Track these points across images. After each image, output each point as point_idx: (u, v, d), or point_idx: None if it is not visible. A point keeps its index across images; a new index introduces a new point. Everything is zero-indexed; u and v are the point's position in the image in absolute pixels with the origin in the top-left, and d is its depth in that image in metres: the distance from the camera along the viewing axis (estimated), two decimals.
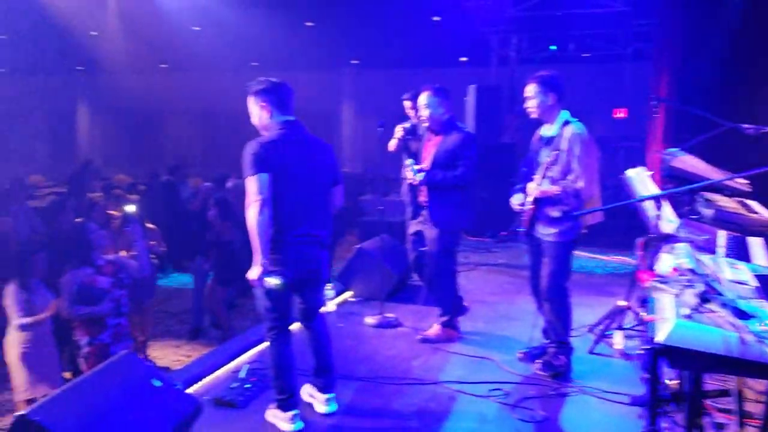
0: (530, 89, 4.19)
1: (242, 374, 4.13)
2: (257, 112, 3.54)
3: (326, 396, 3.74)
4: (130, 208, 5.67)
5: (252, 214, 3.31)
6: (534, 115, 4.23)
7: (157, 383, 3.24)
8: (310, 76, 17.32)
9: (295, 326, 3.72)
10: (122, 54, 14.74)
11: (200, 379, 4.26)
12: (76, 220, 6.38)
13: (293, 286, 3.52)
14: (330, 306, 5.64)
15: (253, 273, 3.37)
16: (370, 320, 5.33)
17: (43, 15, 12.79)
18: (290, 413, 3.52)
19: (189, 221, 10.22)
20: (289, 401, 3.53)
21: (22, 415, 2.68)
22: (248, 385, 4.00)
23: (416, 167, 4.88)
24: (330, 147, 3.71)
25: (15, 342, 4.81)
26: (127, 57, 14.88)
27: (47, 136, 19.21)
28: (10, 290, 4.80)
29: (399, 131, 5.60)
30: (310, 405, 3.77)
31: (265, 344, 4.76)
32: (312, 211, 3.52)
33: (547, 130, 4.23)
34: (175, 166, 11.65)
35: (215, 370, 4.42)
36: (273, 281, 3.36)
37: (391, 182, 12.11)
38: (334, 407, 3.74)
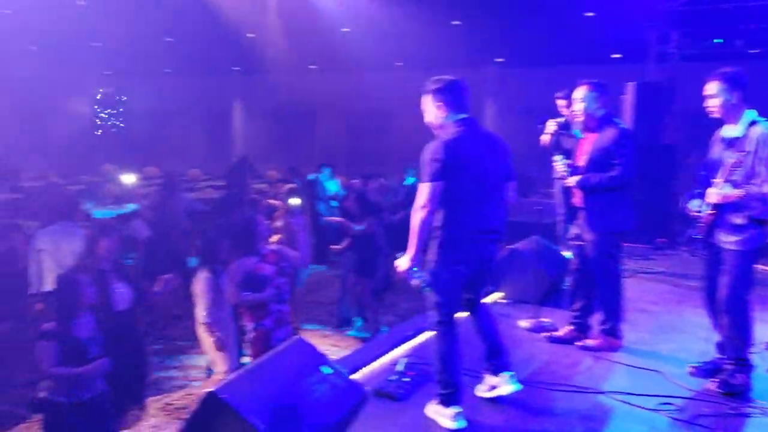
0: (712, 87, 3.92)
1: (400, 367, 4.18)
2: (433, 111, 3.58)
3: (507, 374, 3.71)
4: (295, 201, 5.95)
5: (417, 217, 3.41)
6: (716, 115, 3.96)
7: (327, 370, 3.34)
8: (452, 74, 17.32)
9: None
10: (276, 55, 15.45)
11: (357, 370, 4.36)
12: (243, 211, 6.78)
13: (466, 281, 3.56)
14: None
15: (403, 262, 3.47)
16: (524, 323, 5.22)
17: (205, 18, 13.69)
18: (453, 410, 3.51)
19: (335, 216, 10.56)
20: (452, 396, 3.53)
21: (212, 392, 2.85)
22: (407, 379, 4.04)
23: (567, 161, 4.73)
24: (504, 143, 3.69)
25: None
26: (281, 58, 15.58)
27: (204, 133, 20.54)
28: (203, 277, 5.04)
29: (552, 125, 5.43)
30: (473, 406, 3.72)
31: (419, 339, 4.85)
32: (488, 208, 3.54)
33: (730, 131, 3.94)
34: (322, 163, 12.06)
35: (371, 362, 4.51)
36: (417, 281, 3.46)
37: (536, 183, 11.85)
38: (518, 385, 3.71)
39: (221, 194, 12.18)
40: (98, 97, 22.27)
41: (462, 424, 3.50)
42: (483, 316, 3.77)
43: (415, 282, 3.48)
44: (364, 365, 4.45)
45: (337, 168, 12.60)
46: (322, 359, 3.41)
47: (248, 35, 14.92)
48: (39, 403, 3.81)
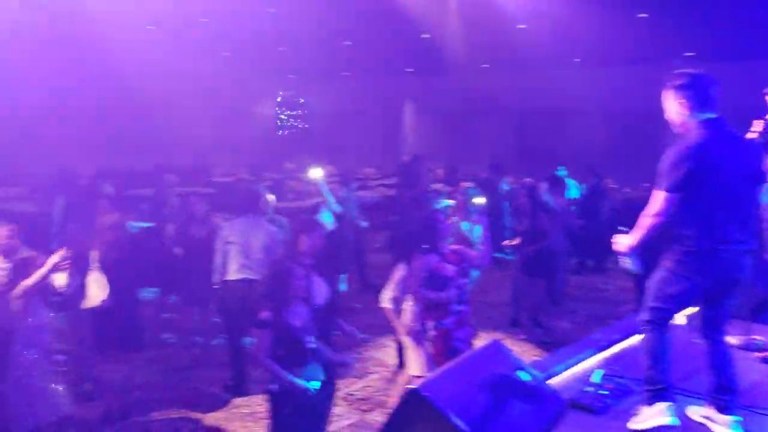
0: None
1: (596, 379, 3.95)
2: (675, 109, 3.33)
3: (731, 418, 3.35)
4: (479, 200, 5.88)
5: (646, 222, 3.25)
6: None
7: (525, 376, 3.23)
8: (630, 70, 16.41)
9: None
10: (450, 55, 15.50)
11: (548, 378, 4.20)
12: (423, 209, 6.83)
13: (703, 295, 3.30)
14: (680, 318, 5.17)
15: (621, 243, 3.38)
16: (732, 340, 4.74)
17: (384, 21, 14.02)
18: (662, 405, 3.26)
19: (505, 217, 10.39)
20: (660, 393, 3.28)
21: (415, 389, 2.85)
22: (605, 392, 3.81)
23: None
24: (755, 144, 3.38)
25: (409, 319, 5.17)
26: (455, 57, 15.60)
27: (378, 133, 21.11)
28: (401, 268, 5.11)
29: (758, 125, 4.93)
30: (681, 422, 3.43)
31: (614, 350, 4.59)
32: (735, 216, 3.24)
33: None
34: (495, 163, 11.92)
35: (562, 371, 4.32)
36: (628, 262, 3.40)
37: None
38: (740, 431, 3.35)
39: (394, 192, 12.45)
40: (279, 99, 23.63)
41: (675, 421, 3.22)
42: (721, 346, 3.41)
43: (625, 264, 3.43)
44: (555, 373, 4.27)
45: (508, 167, 12.40)
46: (519, 364, 3.31)
47: (423, 36, 15.09)
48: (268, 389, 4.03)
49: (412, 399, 2.86)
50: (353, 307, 8.62)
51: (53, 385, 4.50)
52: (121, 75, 16.06)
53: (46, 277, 4.66)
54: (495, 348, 3.36)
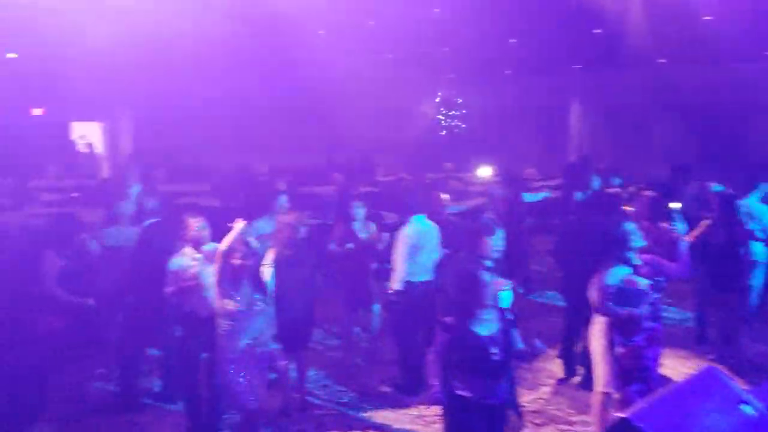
0: None
1: None
2: None
3: None
4: (675, 205, 5.43)
5: None
6: None
7: (749, 410, 2.86)
8: None
9: None
10: (624, 50, 14.69)
11: None
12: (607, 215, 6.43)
13: None
14: None
15: None
16: None
17: (552, 17, 13.53)
18: None
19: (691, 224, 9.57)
20: None
21: (625, 418, 2.61)
22: None
23: None
24: None
25: (600, 333, 4.92)
26: (628, 53, 14.76)
27: (540, 133, 20.42)
28: (599, 281, 4.88)
29: None
30: None
31: None
32: None
33: None
34: (679, 166, 11.02)
35: None
36: None
37: None
38: None
39: (558, 194, 11.93)
40: (437, 100, 23.63)
41: None
42: None
43: None
44: None
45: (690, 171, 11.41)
46: (741, 396, 2.93)
47: (594, 31, 14.39)
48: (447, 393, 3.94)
49: (622, 428, 2.61)
50: (516, 314, 8.32)
51: (248, 375, 4.63)
52: (290, 78, 16.86)
53: (233, 250, 4.65)
54: (712, 375, 3.00)
